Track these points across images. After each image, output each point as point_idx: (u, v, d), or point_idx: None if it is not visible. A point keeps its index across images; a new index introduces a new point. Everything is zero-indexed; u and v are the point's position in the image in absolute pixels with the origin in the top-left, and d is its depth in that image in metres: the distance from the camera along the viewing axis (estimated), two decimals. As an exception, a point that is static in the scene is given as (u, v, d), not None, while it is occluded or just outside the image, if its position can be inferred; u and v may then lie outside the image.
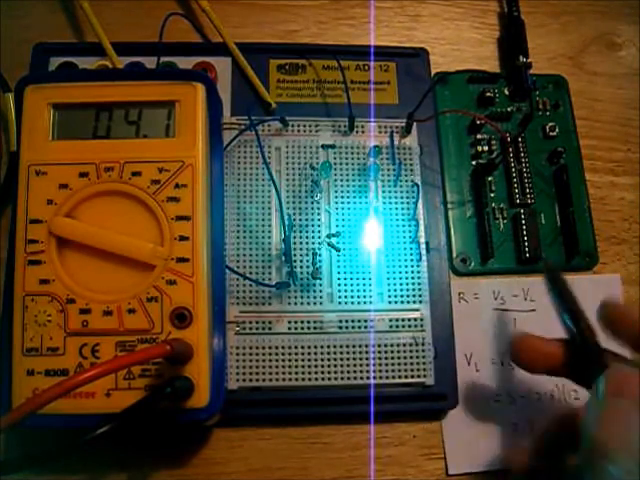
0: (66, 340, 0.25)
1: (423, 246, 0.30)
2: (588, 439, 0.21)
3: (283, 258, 0.29)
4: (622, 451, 0.20)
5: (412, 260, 0.30)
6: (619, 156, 0.35)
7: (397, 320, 0.29)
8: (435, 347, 0.29)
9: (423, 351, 0.29)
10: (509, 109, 0.34)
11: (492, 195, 0.33)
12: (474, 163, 0.33)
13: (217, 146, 0.29)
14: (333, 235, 0.29)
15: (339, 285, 0.29)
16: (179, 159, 0.26)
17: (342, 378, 0.28)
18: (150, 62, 0.32)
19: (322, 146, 0.31)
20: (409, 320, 0.29)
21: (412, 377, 0.28)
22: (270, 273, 0.29)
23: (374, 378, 0.28)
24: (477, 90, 0.34)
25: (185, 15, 0.33)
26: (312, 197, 0.30)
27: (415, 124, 0.32)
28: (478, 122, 0.33)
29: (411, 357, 0.29)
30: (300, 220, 0.30)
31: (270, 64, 0.33)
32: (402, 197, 0.31)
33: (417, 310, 0.29)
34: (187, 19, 0.33)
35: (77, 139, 0.27)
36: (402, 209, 0.31)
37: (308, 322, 0.29)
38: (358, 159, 0.31)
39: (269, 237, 0.30)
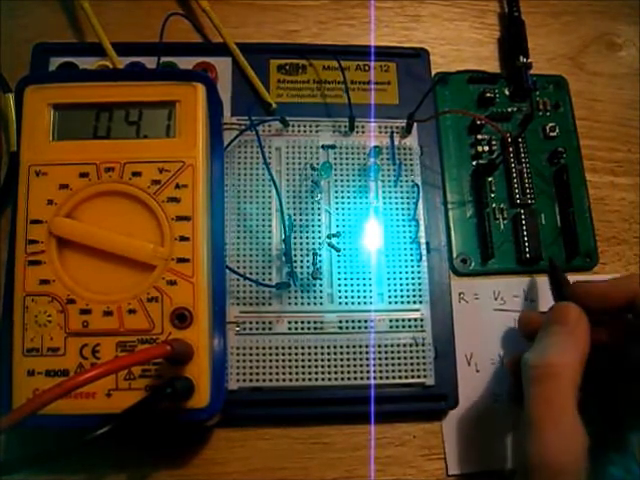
0: (66, 340, 0.25)
1: (423, 246, 0.30)
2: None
3: (283, 258, 0.29)
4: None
5: (412, 260, 0.30)
6: (619, 156, 0.35)
7: (397, 320, 0.29)
8: (435, 347, 0.29)
9: (423, 351, 0.29)
10: (509, 109, 0.34)
11: (492, 195, 0.33)
12: (474, 163, 0.33)
13: (217, 146, 0.29)
14: (333, 235, 0.29)
15: (339, 285, 0.29)
16: (179, 159, 0.26)
17: (342, 378, 0.28)
18: (150, 62, 0.32)
19: (322, 146, 0.31)
20: (409, 320, 0.29)
21: (412, 377, 0.28)
22: (270, 273, 0.29)
23: (374, 378, 0.28)
24: (477, 90, 0.34)
25: (185, 15, 0.33)
26: (312, 197, 0.30)
27: (415, 124, 0.32)
28: (478, 122, 0.33)
29: (411, 357, 0.29)
30: (300, 220, 0.30)
31: (270, 64, 0.33)
32: (402, 197, 0.31)
33: (417, 310, 0.29)
34: (187, 19, 0.33)
35: (77, 139, 0.27)
36: (402, 209, 0.31)
37: (308, 322, 0.29)
38: (358, 159, 0.31)
39: (269, 237, 0.30)
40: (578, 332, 0.24)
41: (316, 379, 0.28)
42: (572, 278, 0.28)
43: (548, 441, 0.21)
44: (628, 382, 0.25)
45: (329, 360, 0.28)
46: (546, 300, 0.30)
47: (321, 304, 0.29)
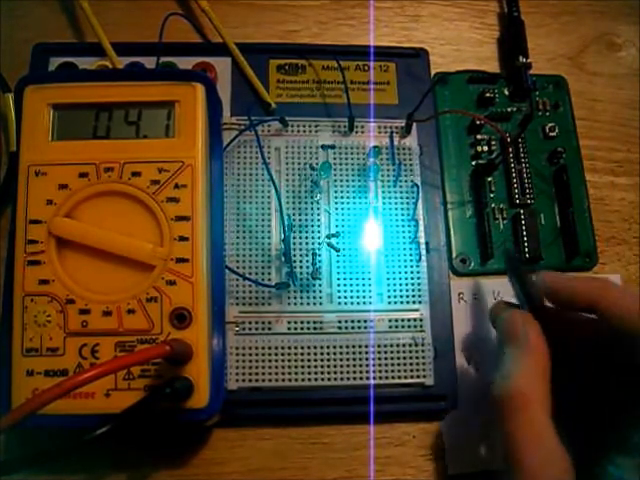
0: (66, 340, 0.25)
1: (423, 246, 0.30)
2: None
3: (283, 258, 0.29)
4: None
5: (412, 260, 0.30)
6: (619, 156, 0.35)
7: (397, 320, 0.29)
8: (435, 347, 0.29)
9: (423, 351, 0.29)
10: (509, 109, 0.34)
11: (492, 195, 0.33)
12: (474, 163, 0.33)
13: (217, 146, 0.29)
14: (333, 235, 0.29)
15: (339, 285, 0.29)
16: (179, 159, 0.26)
17: (342, 378, 0.28)
18: (150, 62, 0.32)
19: (322, 146, 0.31)
20: (409, 320, 0.29)
21: (412, 377, 0.28)
22: (270, 273, 0.29)
23: (374, 378, 0.28)
24: (477, 90, 0.34)
25: (185, 15, 0.33)
26: (312, 197, 0.30)
27: (415, 124, 0.32)
28: (478, 122, 0.33)
29: (411, 357, 0.29)
30: (300, 220, 0.30)
31: (270, 64, 0.33)
32: (402, 197, 0.31)
33: (417, 310, 0.29)
34: (187, 19, 0.33)
35: (77, 139, 0.27)
36: (402, 209, 0.31)
37: (308, 322, 0.29)
38: (358, 159, 0.31)
39: (269, 237, 0.30)
40: (528, 344, 0.23)
41: (316, 379, 0.28)
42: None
43: (533, 466, 0.20)
44: (616, 381, 0.25)
45: (329, 360, 0.28)
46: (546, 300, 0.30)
47: (320, 304, 0.29)
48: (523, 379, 0.22)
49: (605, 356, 0.24)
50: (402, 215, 0.30)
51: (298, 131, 0.31)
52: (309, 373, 0.28)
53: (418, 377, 0.28)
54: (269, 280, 0.29)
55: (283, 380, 0.28)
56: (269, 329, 0.28)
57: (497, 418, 0.22)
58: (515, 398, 0.22)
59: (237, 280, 0.29)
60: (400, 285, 0.29)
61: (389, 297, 0.29)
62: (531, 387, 0.22)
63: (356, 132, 0.32)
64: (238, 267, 0.29)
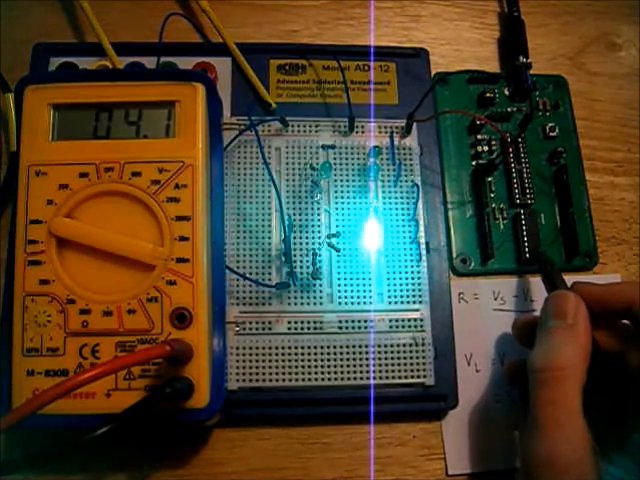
0: (66, 340, 0.25)
1: (423, 246, 0.30)
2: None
3: (283, 258, 0.29)
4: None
5: (412, 260, 0.30)
6: (619, 156, 0.35)
7: (397, 320, 0.29)
8: (435, 347, 0.29)
9: (423, 351, 0.29)
10: (509, 109, 0.34)
11: (492, 195, 0.33)
12: (474, 163, 0.33)
13: (217, 146, 0.29)
14: (333, 235, 0.29)
15: (339, 285, 0.29)
16: (179, 159, 0.26)
17: (342, 378, 0.28)
18: (150, 62, 0.32)
19: (322, 146, 0.31)
20: (409, 320, 0.29)
21: (412, 377, 0.28)
22: (270, 273, 0.29)
23: (374, 378, 0.28)
24: (477, 90, 0.34)
25: (185, 15, 0.33)
26: (312, 197, 0.30)
27: (415, 124, 0.32)
28: (478, 122, 0.33)
29: (411, 357, 0.29)
30: (300, 220, 0.30)
31: (270, 64, 0.33)
32: (402, 197, 0.31)
33: (417, 310, 0.29)
34: (187, 19, 0.33)
35: (77, 139, 0.27)
36: (402, 209, 0.31)
37: (308, 322, 0.29)
38: (358, 159, 0.31)
39: (269, 237, 0.30)
40: (579, 325, 0.24)
41: (316, 379, 0.28)
42: (572, 278, 0.28)
43: (555, 443, 0.21)
44: (627, 385, 0.25)
45: (329, 360, 0.28)
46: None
47: (321, 304, 0.29)
48: (569, 355, 0.23)
49: (616, 366, 0.25)
50: (402, 215, 0.30)
51: (298, 131, 0.31)
52: (309, 373, 0.28)
53: (418, 377, 0.28)
54: (269, 280, 0.29)
55: (283, 380, 0.28)
56: (269, 329, 0.28)
57: (531, 387, 0.23)
58: (559, 370, 0.22)
59: (237, 280, 0.29)
60: (400, 285, 0.29)
61: (389, 297, 0.29)
62: (574, 365, 0.23)
63: (356, 132, 0.32)
64: (238, 267, 0.29)
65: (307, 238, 0.30)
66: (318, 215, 0.30)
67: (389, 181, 0.31)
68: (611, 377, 0.25)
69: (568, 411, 0.22)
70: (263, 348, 0.28)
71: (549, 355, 0.23)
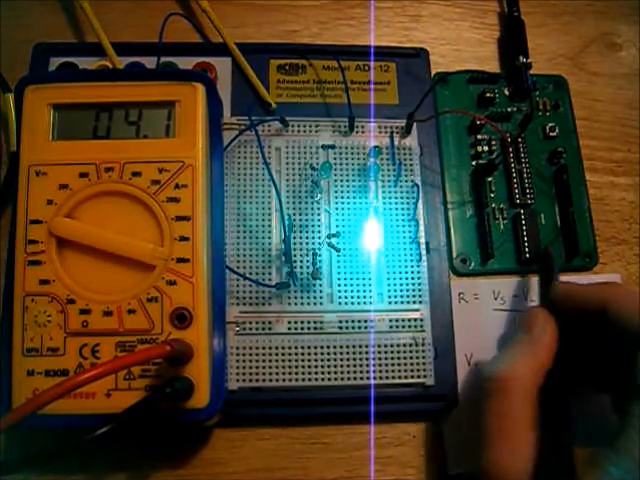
0: (66, 340, 0.25)
1: (423, 246, 0.30)
2: None
3: (283, 258, 0.29)
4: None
5: (412, 260, 0.30)
6: (619, 156, 0.35)
7: (397, 320, 0.29)
8: (435, 347, 0.29)
9: (423, 351, 0.29)
10: (509, 109, 0.34)
11: (492, 195, 0.33)
12: (474, 163, 0.33)
13: (217, 146, 0.29)
14: (333, 235, 0.29)
15: (339, 285, 0.29)
16: (179, 159, 0.26)
17: (342, 378, 0.28)
18: (150, 62, 0.32)
19: (322, 146, 0.31)
20: (409, 320, 0.29)
21: (412, 377, 0.28)
22: (270, 273, 0.29)
23: (374, 378, 0.28)
24: (477, 90, 0.34)
25: (185, 15, 0.33)
26: (312, 197, 0.30)
27: (415, 124, 0.32)
28: (478, 122, 0.33)
29: (411, 357, 0.29)
30: (300, 220, 0.30)
31: (270, 64, 0.33)
32: (402, 197, 0.31)
33: (417, 310, 0.29)
34: (187, 19, 0.33)
35: (77, 139, 0.27)
36: (402, 209, 0.31)
37: (308, 322, 0.29)
38: (358, 159, 0.31)
39: (269, 237, 0.30)
40: (541, 340, 0.24)
41: (316, 379, 0.28)
42: (572, 278, 0.28)
43: (499, 454, 0.21)
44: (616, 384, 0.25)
45: (329, 360, 0.28)
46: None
47: (321, 304, 0.29)
48: (518, 368, 0.23)
49: (609, 361, 0.24)
50: (402, 215, 0.30)
51: (298, 131, 0.31)
52: (309, 373, 0.28)
53: (418, 377, 0.28)
54: (269, 280, 0.29)
55: (283, 380, 0.28)
56: (269, 329, 0.28)
57: (483, 393, 0.23)
58: (501, 381, 0.22)
59: (237, 280, 0.29)
60: (400, 285, 0.29)
61: (389, 297, 0.29)
62: (522, 377, 0.22)
63: (356, 132, 0.32)
64: (238, 267, 0.29)
65: (307, 238, 0.30)
66: (318, 215, 0.30)
67: (389, 181, 0.31)
68: (604, 371, 0.25)
69: (513, 423, 0.22)
70: (263, 348, 0.28)
71: (500, 365, 0.23)
